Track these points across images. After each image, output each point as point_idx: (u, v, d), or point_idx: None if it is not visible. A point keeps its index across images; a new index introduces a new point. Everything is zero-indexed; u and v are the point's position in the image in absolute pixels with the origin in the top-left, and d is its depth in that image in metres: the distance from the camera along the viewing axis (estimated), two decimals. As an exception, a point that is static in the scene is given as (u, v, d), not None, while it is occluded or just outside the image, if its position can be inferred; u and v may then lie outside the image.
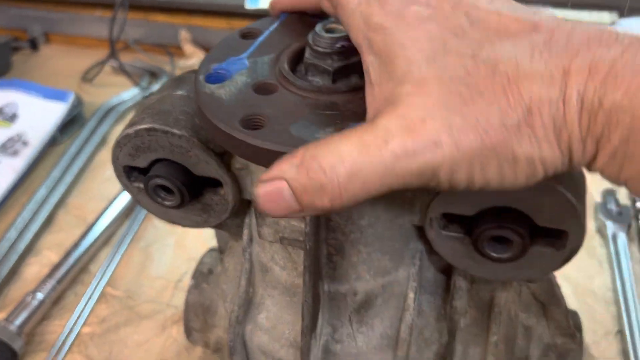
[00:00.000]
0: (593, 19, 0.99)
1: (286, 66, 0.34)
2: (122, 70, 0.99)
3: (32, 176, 0.89)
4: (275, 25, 0.39)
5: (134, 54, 1.14)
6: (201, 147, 0.37)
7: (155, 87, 1.06)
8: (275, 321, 0.41)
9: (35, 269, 0.75)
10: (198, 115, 0.34)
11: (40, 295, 0.68)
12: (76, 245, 0.75)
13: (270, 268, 0.40)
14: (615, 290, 0.68)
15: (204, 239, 0.76)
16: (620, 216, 0.75)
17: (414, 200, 0.36)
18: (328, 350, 0.39)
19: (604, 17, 0.99)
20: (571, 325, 0.52)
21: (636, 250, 0.72)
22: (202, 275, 0.59)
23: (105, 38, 1.08)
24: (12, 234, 0.78)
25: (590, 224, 0.76)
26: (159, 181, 0.38)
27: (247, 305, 0.42)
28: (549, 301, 0.50)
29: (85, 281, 0.73)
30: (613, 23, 0.99)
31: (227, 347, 0.43)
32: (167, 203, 0.39)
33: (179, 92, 0.39)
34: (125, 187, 0.42)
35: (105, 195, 0.84)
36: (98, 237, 0.77)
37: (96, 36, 1.19)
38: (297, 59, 0.35)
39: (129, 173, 0.41)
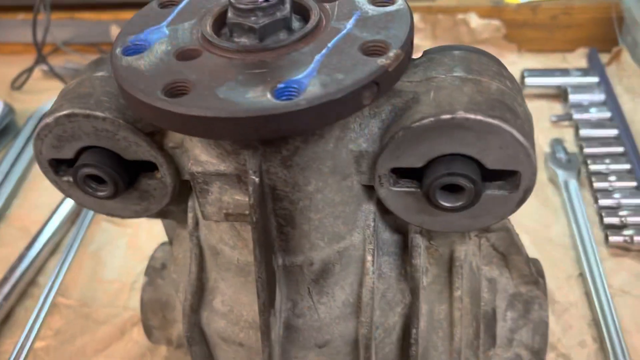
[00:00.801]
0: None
1: (209, 29, 0.32)
2: (53, 73, 0.94)
3: (-34, 192, 0.84)
4: (194, -11, 0.36)
5: (65, 56, 1.08)
6: (129, 128, 0.34)
7: (90, 86, 1.01)
8: (232, 304, 0.39)
9: (-21, 288, 0.71)
10: (119, 92, 0.31)
11: (-14, 315, 0.64)
12: (21, 258, 0.72)
13: (221, 250, 0.38)
14: (572, 235, 0.69)
15: (157, 235, 0.73)
16: (570, 163, 0.76)
17: (360, 159, 0.35)
18: (290, 326, 0.38)
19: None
20: (533, 272, 0.51)
21: (588, 194, 0.74)
22: (155, 270, 0.56)
23: (32, 42, 1.02)
24: (-49, 254, 0.73)
25: (542, 174, 0.77)
26: (88, 170, 0.35)
27: (201, 292, 0.40)
28: (510, 251, 0.49)
29: (35, 294, 0.69)
30: None
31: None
32: (100, 194, 0.37)
33: (99, 74, 0.37)
34: (54, 183, 0.39)
35: (48, 203, 0.80)
36: (43, 247, 0.73)
37: (22, 41, 1.12)
38: (220, 22, 0.33)
39: (56, 167, 0.38)
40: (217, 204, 0.35)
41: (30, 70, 1.03)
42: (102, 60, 0.38)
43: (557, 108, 0.88)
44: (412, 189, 0.35)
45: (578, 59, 0.97)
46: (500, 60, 0.37)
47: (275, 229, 0.35)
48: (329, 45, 0.30)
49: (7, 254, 0.74)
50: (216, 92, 0.28)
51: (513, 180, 0.34)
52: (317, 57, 0.29)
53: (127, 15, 1.05)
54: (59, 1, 1.06)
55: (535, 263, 0.53)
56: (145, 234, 0.75)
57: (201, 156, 0.33)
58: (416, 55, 0.36)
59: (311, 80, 0.28)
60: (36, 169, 0.88)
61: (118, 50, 0.32)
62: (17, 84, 1.04)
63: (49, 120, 0.35)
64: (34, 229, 0.76)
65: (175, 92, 0.28)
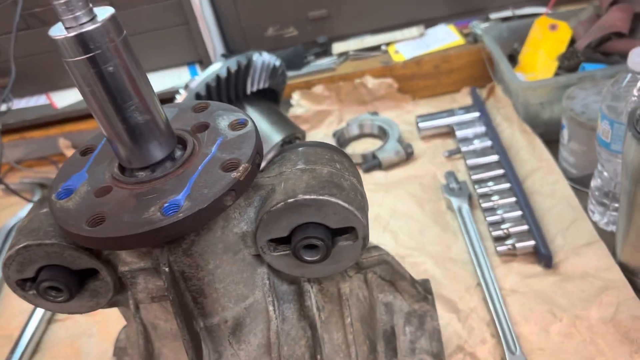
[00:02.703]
0: (405, 35, 1.17)
1: (116, 170, 0.45)
2: (11, 191, 1.05)
3: (-51, 314, 0.93)
4: (104, 139, 0.49)
5: (20, 173, 1.20)
6: (71, 248, 0.46)
7: (48, 197, 1.13)
8: (174, 364, 0.51)
9: (-28, 398, 0.80)
10: (58, 226, 0.44)
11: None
12: (7, 362, 0.81)
13: (157, 324, 0.50)
14: (469, 252, 0.82)
15: (122, 318, 0.84)
16: (461, 191, 0.90)
17: (245, 237, 0.47)
18: (219, 372, 0.49)
19: (414, 32, 1.17)
20: (421, 291, 0.64)
21: (479, 213, 0.88)
22: (122, 349, 0.67)
23: (-12, 166, 1.14)
24: (-58, 372, 0.82)
25: (441, 204, 0.91)
26: (47, 284, 0.47)
27: (150, 358, 0.51)
28: (395, 278, 0.62)
29: (23, 392, 0.79)
30: (422, 34, 1.17)
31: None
32: (59, 299, 0.48)
33: (44, 210, 0.49)
34: (23, 297, 0.50)
35: (26, 309, 0.90)
36: (25, 350, 0.83)
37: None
38: (125, 161, 0.46)
39: (22, 285, 0.49)
40: (145, 291, 0.47)
41: (-8, 192, 1.14)
42: (45, 199, 0.51)
43: (449, 144, 1.03)
44: (286, 252, 0.47)
45: (464, 96, 1.14)
46: (334, 147, 0.51)
47: (191, 301, 0.47)
48: (200, 167, 0.43)
49: (-7, 362, 0.83)
50: (123, 218, 0.40)
51: (354, 233, 0.47)
52: (191, 178, 0.43)
53: (72, 127, 1.19)
54: (8, 126, 1.18)
55: (423, 283, 0.66)
56: (113, 320, 0.85)
57: (126, 258, 0.46)
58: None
59: (186, 197, 0.41)
60: (9, 280, 0.98)
61: (53, 196, 0.44)
62: (-19, 206, 1.15)
63: (11, 252, 0.47)
64: (16, 334, 0.85)
65: (96, 222, 0.41)
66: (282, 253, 0.48)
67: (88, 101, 0.41)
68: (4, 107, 1.15)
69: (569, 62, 0.99)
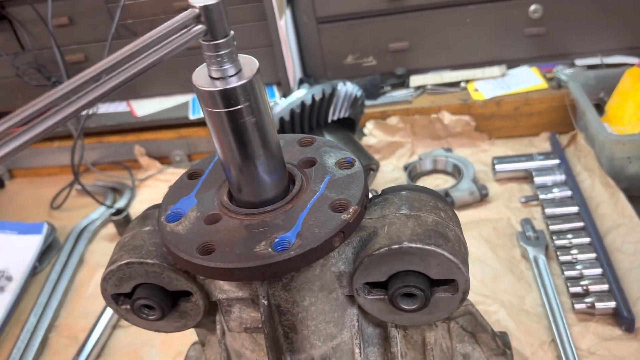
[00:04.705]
0: (486, 74, 1.16)
1: (225, 197, 0.45)
2: (86, 192, 1.09)
3: (20, 307, 0.97)
4: (211, 164, 0.50)
5: (95, 175, 1.24)
6: (171, 269, 0.47)
7: (120, 203, 1.16)
8: (255, 395, 0.50)
9: (38, 393, 0.82)
10: (165, 248, 0.44)
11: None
12: (73, 364, 0.83)
13: (242, 353, 0.50)
14: (544, 305, 0.79)
15: (185, 334, 0.85)
16: (538, 240, 0.88)
17: (341, 277, 0.47)
18: (301, 408, 0.49)
19: (495, 71, 1.16)
20: (500, 345, 0.62)
21: (556, 265, 0.85)
22: (191, 367, 0.67)
23: (66, 164, 1.18)
24: (11, 366, 0.85)
25: (516, 251, 0.89)
26: (142, 302, 0.48)
27: (231, 385, 0.51)
28: (476, 330, 0.60)
29: (87, 395, 0.80)
30: (503, 74, 1.15)
31: None
32: (151, 318, 0.49)
33: (146, 228, 0.50)
34: (115, 311, 0.51)
35: (91, 312, 0.92)
36: (90, 353, 0.85)
37: (57, 164, 1.29)
38: (233, 190, 0.46)
39: (116, 299, 0.50)
40: (238, 320, 0.47)
41: (68, 190, 1.18)
42: (147, 216, 0.52)
43: (526, 189, 1.01)
44: (382, 296, 0.47)
45: (542, 141, 1.11)
46: (437, 193, 0.50)
47: (282, 336, 0.47)
48: (309, 205, 0.43)
49: (59, 361, 0.85)
50: (234, 249, 0.41)
51: (454, 285, 0.46)
52: (301, 215, 0.43)
53: (149, 135, 1.23)
54: (89, 130, 1.23)
55: (502, 337, 0.64)
56: (176, 334, 0.86)
57: (225, 286, 0.46)
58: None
59: (297, 234, 0.41)
60: (78, 281, 1.01)
61: (162, 219, 0.45)
62: (56, 204, 1.19)
63: (113, 267, 0.48)
64: (81, 337, 0.88)
65: (206, 251, 0.41)
66: (377, 297, 0.47)
67: (220, 146, 0.41)
68: (88, 112, 1.19)
69: (660, 117, 0.96)
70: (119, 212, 1.07)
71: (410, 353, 0.53)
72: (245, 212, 0.44)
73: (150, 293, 0.48)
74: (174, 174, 1.22)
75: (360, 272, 0.45)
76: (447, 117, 1.11)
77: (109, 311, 0.90)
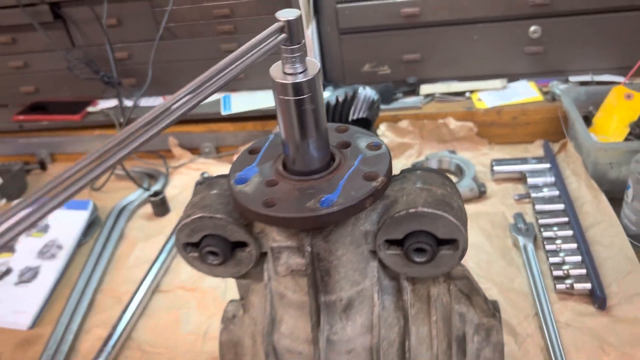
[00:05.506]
0: (489, 86, 1.29)
1: (280, 167, 0.58)
2: (128, 176, 1.22)
3: (69, 273, 1.09)
4: (267, 143, 0.63)
5: (133, 162, 1.37)
6: (234, 223, 0.60)
7: (156, 187, 1.29)
8: (293, 328, 0.63)
9: (88, 344, 0.94)
10: (234, 204, 0.57)
11: (100, 362, 0.88)
12: (118, 320, 0.95)
13: (285, 294, 0.62)
14: (529, 285, 0.92)
15: (217, 297, 0.98)
16: (528, 232, 1.00)
17: (366, 235, 0.60)
18: (329, 340, 0.61)
19: (497, 83, 1.29)
20: (491, 308, 0.75)
21: (542, 254, 0.97)
22: (229, 319, 0.80)
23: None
24: (65, 318, 0.97)
25: (508, 240, 1.02)
26: (209, 249, 0.61)
27: (272, 322, 0.64)
28: (472, 293, 0.73)
29: (131, 346, 0.93)
30: (504, 87, 1.29)
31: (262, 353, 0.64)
32: (214, 263, 0.62)
33: (213, 192, 0.63)
34: (184, 257, 0.64)
35: (132, 279, 1.05)
36: (134, 313, 0.97)
37: (95, 151, 1.42)
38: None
39: (185, 248, 0.63)
40: (285, 265, 0.60)
41: (110, 174, 1.31)
42: (213, 183, 0.65)
43: (520, 188, 1.13)
44: (398, 252, 0.59)
45: (537, 148, 1.24)
46: (445, 174, 0.63)
47: (319, 279, 0.60)
48: (346, 175, 0.56)
49: (106, 318, 0.98)
50: (291, 204, 0.53)
51: (455, 245, 0.59)
52: (341, 182, 0.55)
53: (182, 128, 1.36)
54: (130, 120, 1.36)
55: (493, 303, 0.77)
56: (210, 297, 0.99)
57: (277, 237, 0.59)
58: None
59: (338, 195, 0.54)
60: (119, 253, 1.14)
61: (232, 182, 0.58)
62: (97, 186, 1.32)
63: (187, 220, 0.61)
64: (125, 298, 1.00)
65: (269, 205, 0.54)
66: (394, 252, 0.60)
67: (284, 125, 0.54)
68: (130, 103, 1.33)
69: (640, 130, 1.09)
70: (156, 194, 1.20)
71: (417, 304, 0.66)
72: (297, 178, 0.57)
73: (215, 242, 0.61)
74: (204, 163, 1.35)
75: (383, 231, 0.58)
76: (452, 123, 1.24)
77: (150, 277, 1.03)
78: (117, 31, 1.31)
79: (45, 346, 0.92)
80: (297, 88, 0.51)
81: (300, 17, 0.48)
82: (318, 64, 0.52)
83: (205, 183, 0.67)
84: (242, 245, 0.63)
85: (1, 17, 1.30)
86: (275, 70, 0.52)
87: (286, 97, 0.51)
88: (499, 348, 0.73)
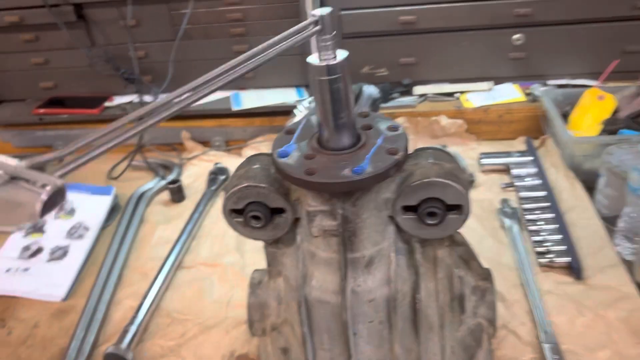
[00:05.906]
0: (477, 87, 1.42)
1: (316, 144, 0.69)
2: (148, 166, 1.31)
3: (95, 252, 1.18)
4: (301, 125, 0.74)
5: (148, 153, 1.47)
6: (275, 191, 0.71)
7: (171, 177, 1.38)
8: (322, 282, 0.74)
9: (120, 313, 1.04)
10: (277, 174, 0.68)
11: (133, 327, 0.97)
12: (147, 291, 1.05)
13: (315, 253, 0.73)
14: (516, 261, 1.05)
15: (237, 271, 1.08)
16: (513, 214, 1.13)
17: (387, 202, 0.71)
18: (354, 290, 0.72)
19: (484, 85, 1.43)
20: (485, 272, 0.87)
21: (526, 234, 1.10)
22: (255, 285, 0.91)
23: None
24: (97, 291, 1.06)
25: (496, 222, 1.14)
26: (253, 213, 0.71)
27: (304, 277, 0.75)
28: (469, 258, 0.85)
29: (162, 314, 1.02)
30: (490, 89, 1.42)
31: (294, 307, 0.75)
32: (256, 226, 0.73)
33: (255, 166, 0.74)
34: (229, 222, 0.75)
35: (155, 256, 1.14)
36: (161, 285, 1.07)
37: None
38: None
39: (231, 214, 0.74)
40: (318, 226, 0.71)
41: (128, 162, 1.40)
42: (254, 159, 0.75)
43: (505, 178, 1.26)
44: (412, 216, 0.71)
45: (520, 143, 1.37)
46: (450, 153, 0.75)
47: (347, 239, 0.71)
48: (372, 150, 0.68)
49: (134, 291, 1.07)
50: (330, 172, 0.65)
51: (460, 210, 0.70)
52: (368, 156, 0.67)
53: (194, 122, 1.47)
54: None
55: (487, 270, 0.89)
56: (230, 271, 1.09)
57: (312, 202, 0.70)
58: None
59: (368, 165, 0.65)
60: (141, 235, 1.23)
61: (275, 155, 0.69)
62: (114, 175, 1.41)
63: (235, 189, 0.71)
64: (151, 274, 1.10)
65: (310, 173, 0.65)
66: (409, 217, 0.71)
67: (320, 104, 0.65)
68: (149, 99, 1.43)
69: (610, 127, 1.23)
70: (174, 182, 1.30)
71: (425, 264, 0.78)
72: (331, 152, 0.68)
73: (258, 208, 0.72)
74: (215, 156, 1.45)
75: (401, 198, 0.70)
76: (444, 120, 1.37)
77: (173, 255, 1.12)
78: (136, 31, 1.41)
79: (81, 315, 1.02)
80: (330, 70, 0.62)
81: (332, 12, 0.60)
82: (346, 52, 0.64)
83: (245, 159, 0.78)
84: (279, 212, 0.74)
85: (27, 17, 1.39)
86: (312, 59, 0.63)
87: (322, 78, 0.63)
88: (492, 306, 0.86)
